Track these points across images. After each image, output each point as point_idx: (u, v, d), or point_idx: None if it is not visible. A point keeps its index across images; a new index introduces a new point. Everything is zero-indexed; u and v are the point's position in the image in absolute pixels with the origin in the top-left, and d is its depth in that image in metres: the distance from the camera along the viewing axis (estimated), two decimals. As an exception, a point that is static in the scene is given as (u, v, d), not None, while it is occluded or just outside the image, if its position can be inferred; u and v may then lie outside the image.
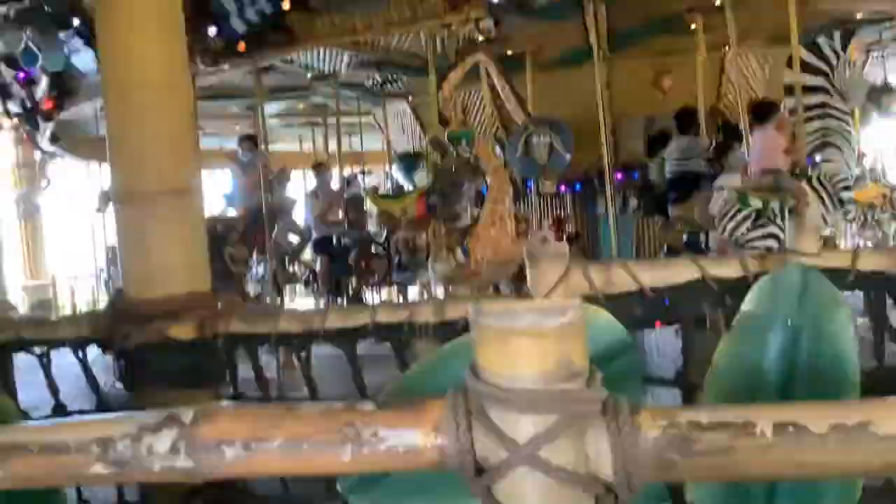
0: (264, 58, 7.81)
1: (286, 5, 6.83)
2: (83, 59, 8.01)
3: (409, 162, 11.70)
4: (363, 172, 11.56)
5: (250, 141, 9.67)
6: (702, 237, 7.61)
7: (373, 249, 9.69)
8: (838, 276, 2.11)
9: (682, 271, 2.29)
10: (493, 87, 7.70)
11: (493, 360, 0.94)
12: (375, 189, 11.15)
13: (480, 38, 8.06)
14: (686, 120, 8.27)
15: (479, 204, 7.46)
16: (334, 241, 9.95)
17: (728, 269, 2.26)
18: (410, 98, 11.45)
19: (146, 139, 3.10)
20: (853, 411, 0.92)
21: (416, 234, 8.73)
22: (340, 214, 9.99)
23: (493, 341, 0.94)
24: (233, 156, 10.00)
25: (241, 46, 7.12)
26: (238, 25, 6.96)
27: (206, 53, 7.08)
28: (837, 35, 6.72)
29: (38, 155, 12.51)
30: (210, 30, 6.95)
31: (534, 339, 0.91)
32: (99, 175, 11.07)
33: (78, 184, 13.77)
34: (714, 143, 8.12)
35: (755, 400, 1.87)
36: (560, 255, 2.21)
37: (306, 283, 10.88)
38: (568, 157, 6.74)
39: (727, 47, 8.64)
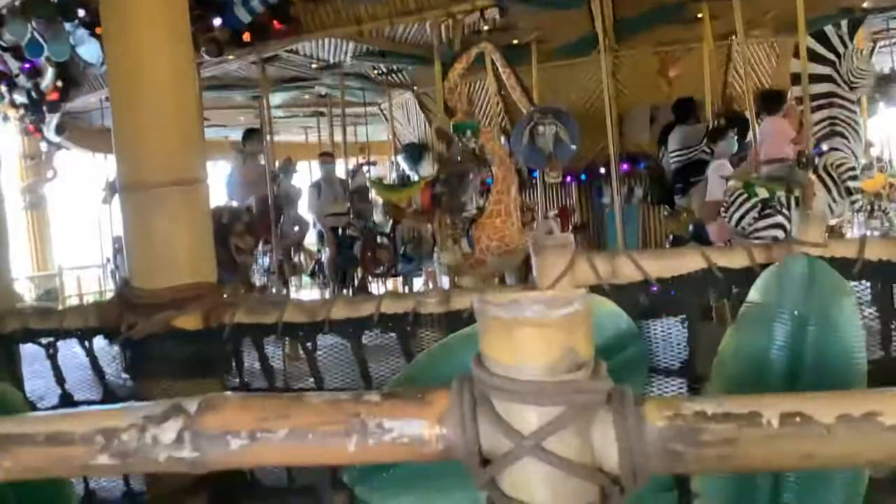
0: (269, 47, 7.79)
1: (291, -6, 6.84)
2: (88, 50, 8.02)
3: (415, 152, 11.69)
4: (369, 163, 11.55)
5: (254, 139, 9.53)
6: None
7: (378, 240, 9.69)
8: (845, 266, 2.10)
9: (687, 261, 2.28)
10: (498, 77, 7.68)
11: (498, 350, 0.94)
12: (380, 179, 11.14)
13: (485, 28, 8.05)
14: (684, 109, 8.23)
15: (484, 194, 7.46)
16: (340, 231, 9.95)
17: (734, 259, 2.25)
18: (415, 88, 11.44)
19: (152, 130, 3.10)
20: (860, 402, 0.92)
21: (422, 224, 8.72)
22: (346, 205, 9.98)
23: (498, 331, 0.94)
24: (236, 146, 9.98)
25: (246, 36, 7.11)
26: (243, 15, 6.95)
27: (210, 43, 7.08)
28: (844, 24, 6.67)
29: (44, 146, 12.53)
30: (215, 20, 6.94)
31: (539, 330, 0.91)
32: (105, 166, 11.10)
33: (84, 174, 13.81)
34: (710, 129, 8.10)
35: (762, 390, 1.87)
36: (565, 246, 2.20)
37: (312, 274, 10.90)
38: (573, 146, 6.72)
39: (734, 37, 8.61)
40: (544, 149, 6.60)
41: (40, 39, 8.07)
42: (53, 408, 2.97)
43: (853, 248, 2.18)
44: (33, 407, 2.86)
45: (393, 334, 2.53)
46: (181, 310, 2.88)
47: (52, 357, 3.07)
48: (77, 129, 11.26)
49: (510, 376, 0.92)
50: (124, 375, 3.02)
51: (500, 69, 6.97)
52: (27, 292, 12.71)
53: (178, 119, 3.16)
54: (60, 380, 3.08)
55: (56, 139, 11.18)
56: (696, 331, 2.27)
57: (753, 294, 2.00)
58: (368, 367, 2.61)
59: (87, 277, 13.77)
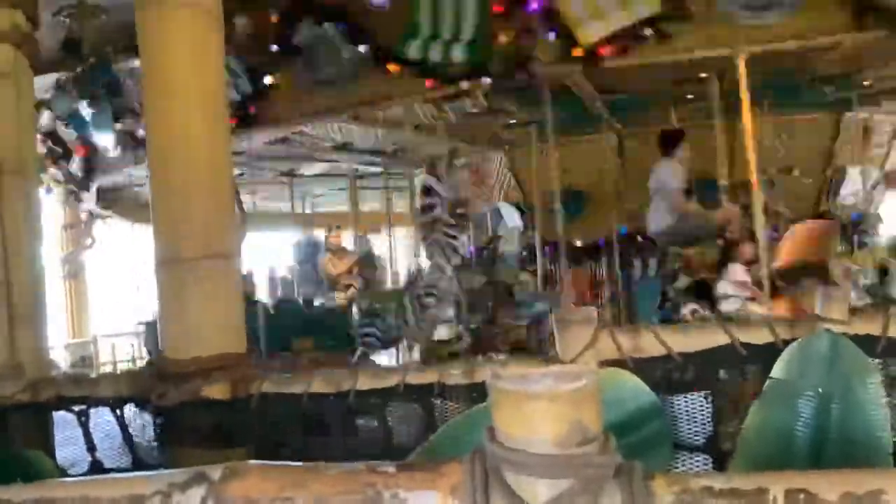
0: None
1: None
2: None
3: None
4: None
5: None
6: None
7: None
8: (869, 344, 2.09)
9: (711, 336, 2.29)
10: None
11: (509, 423, 0.97)
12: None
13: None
14: None
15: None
16: None
17: (757, 335, 2.26)
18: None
19: (189, 205, 3.20)
20: (866, 480, 0.93)
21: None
22: None
23: (508, 405, 0.97)
24: None
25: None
26: None
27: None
28: None
29: (83, 215, 12.82)
30: None
31: (548, 403, 0.94)
32: (142, 237, 11.32)
33: (123, 243, 14.10)
34: None
35: (786, 467, 1.85)
36: (589, 320, 2.23)
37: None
38: None
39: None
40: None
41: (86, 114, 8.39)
42: (84, 474, 3.01)
43: (877, 325, 2.17)
44: (64, 473, 2.90)
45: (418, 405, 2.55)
46: (209, 379, 2.93)
47: (84, 424, 3.11)
48: (117, 200, 11.56)
49: (520, 449, 0.95)
50: (154, 443, 3.06)
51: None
52: (63, 360, 12.85)
53: (213, 195, 3.26)
54: (91, 447, 3.12)
55: (97, 209, 11.48)
56: (721, 406, 2.26)
57: (777, 370, 2.00)
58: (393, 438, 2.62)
59: (121, 345, 13.92)
